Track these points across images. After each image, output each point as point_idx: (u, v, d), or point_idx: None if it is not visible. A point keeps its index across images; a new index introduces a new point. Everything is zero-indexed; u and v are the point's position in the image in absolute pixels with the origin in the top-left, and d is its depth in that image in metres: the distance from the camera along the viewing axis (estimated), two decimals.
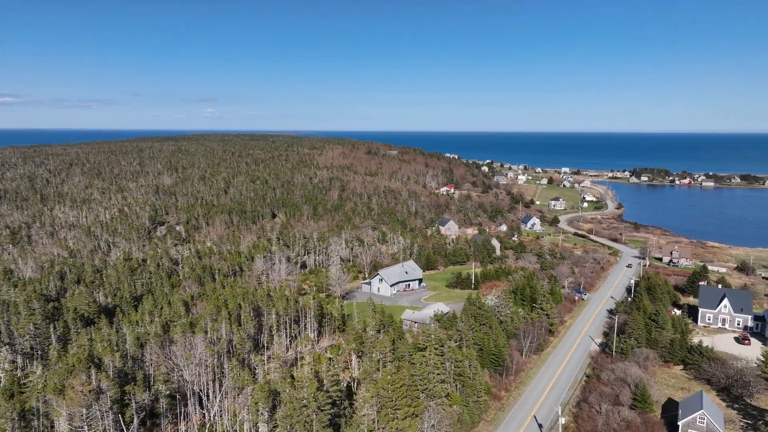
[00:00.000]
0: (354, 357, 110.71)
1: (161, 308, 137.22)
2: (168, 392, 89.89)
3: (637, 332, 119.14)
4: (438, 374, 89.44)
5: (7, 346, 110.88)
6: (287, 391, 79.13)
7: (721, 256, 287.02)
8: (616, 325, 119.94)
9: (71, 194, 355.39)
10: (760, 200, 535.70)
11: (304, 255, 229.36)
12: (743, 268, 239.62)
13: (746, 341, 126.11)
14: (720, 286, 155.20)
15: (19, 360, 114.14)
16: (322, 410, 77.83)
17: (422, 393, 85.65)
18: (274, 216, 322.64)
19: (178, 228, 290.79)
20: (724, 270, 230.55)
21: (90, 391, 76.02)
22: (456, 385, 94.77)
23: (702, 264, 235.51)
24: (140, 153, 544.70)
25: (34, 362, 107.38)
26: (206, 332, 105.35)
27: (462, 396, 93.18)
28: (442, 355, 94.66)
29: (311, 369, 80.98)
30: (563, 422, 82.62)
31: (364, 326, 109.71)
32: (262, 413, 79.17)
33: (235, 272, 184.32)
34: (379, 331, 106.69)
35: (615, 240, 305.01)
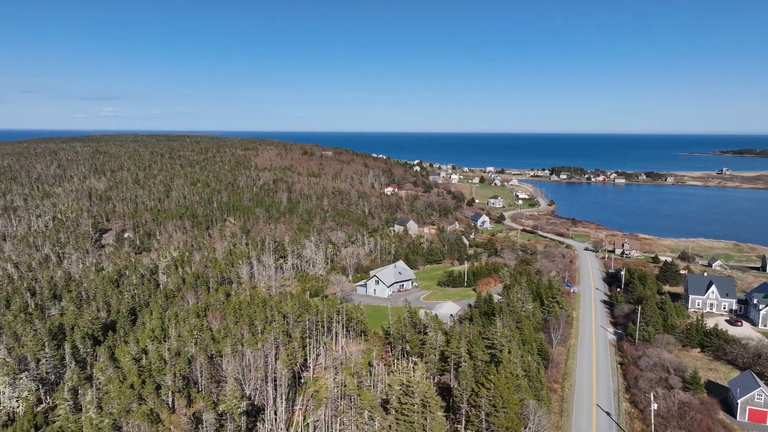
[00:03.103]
0: (402, 358, 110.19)
1: (171, 321, 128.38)
2: (245, 409, 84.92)
3: (654, 320, 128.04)
4: (518, 371, 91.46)
5: (26, 373, 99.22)
6: (395, 397, 77.72)
7: (656, 247, 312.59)
8: (639, 315, 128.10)
9: None
10: (666, 195, 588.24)
11: (279, 259, 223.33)
12: (684, 257, 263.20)
13: (738, 323, 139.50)
14: (705, 275, 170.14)
15: (32, 386, 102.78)
16: (432, 414, 77.28)
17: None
18: (224, 220, 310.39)
19: (126, 235, 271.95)
20: (670, 260, 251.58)
21: (193, 414, 70.38)
22: (524, 380, 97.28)
23: (654, 255, 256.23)
24: (54, 155, 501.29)
25: (65, 387, 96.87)
26: (262, 344, 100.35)
27: (533, 390, 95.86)
28: (509, 353, 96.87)
29: (421, 374, 79.89)
30: (655, 408, 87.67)
31: (422, 327, 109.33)
32: (370, 422, 77.12)
33: (224, 280, 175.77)
34: (435, 332, 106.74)
35: (561, 235, 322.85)
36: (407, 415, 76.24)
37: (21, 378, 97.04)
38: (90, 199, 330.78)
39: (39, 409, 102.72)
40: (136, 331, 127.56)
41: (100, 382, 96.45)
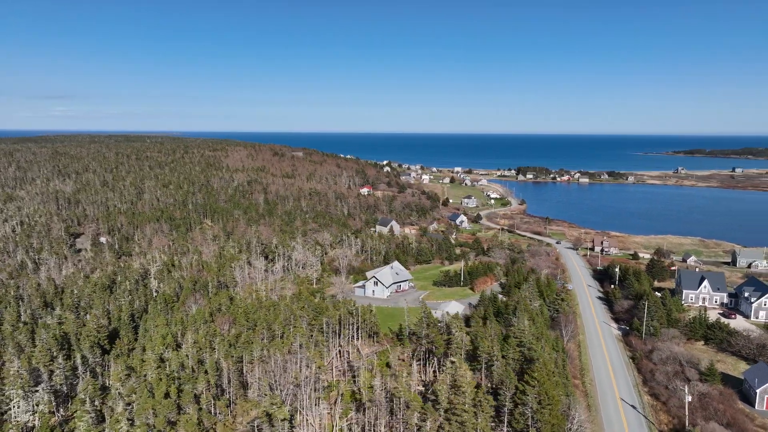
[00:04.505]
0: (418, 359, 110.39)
1: (177, 327, 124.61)
2: (283, 416, 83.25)
3: (658, 314, 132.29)
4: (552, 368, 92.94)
5: (43, 385, 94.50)
6: (444, 396, 77.73)
7: (629, 244, 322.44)
8: (645, 310, 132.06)
9: None
10: (628, 193, 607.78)
11: (269, 261, 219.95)
12: (659, 253, 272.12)
13: (732, 315, 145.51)
14: (697, 269, 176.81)
15: (45, 398, 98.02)
16: (484, 412, 77.67)
17: None
18: (202, 222, 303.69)
19: (103, 239, 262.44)
20: (648, 256, 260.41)
21: (249, 423, 68.58)
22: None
23: (632, 252, 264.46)
24: (11, 156, 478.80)
25: (86, 398, 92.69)
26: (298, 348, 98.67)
27: (563, 387, 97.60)
28: (540, 349, 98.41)
29: (470, 375, 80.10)
30: (689, 400, 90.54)
31: (443, 327, 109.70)
32: (418, 424, 76.93)
33: (220, 284, 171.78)
34: (460, 332, 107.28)
35: (539, 233, 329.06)
36: (458, 415, 76.42)
37: (38, 390, 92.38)
38: (57, 203, 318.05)
39: (52, 421, 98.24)
40: (142, 339, 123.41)
41: (120, 393, 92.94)
